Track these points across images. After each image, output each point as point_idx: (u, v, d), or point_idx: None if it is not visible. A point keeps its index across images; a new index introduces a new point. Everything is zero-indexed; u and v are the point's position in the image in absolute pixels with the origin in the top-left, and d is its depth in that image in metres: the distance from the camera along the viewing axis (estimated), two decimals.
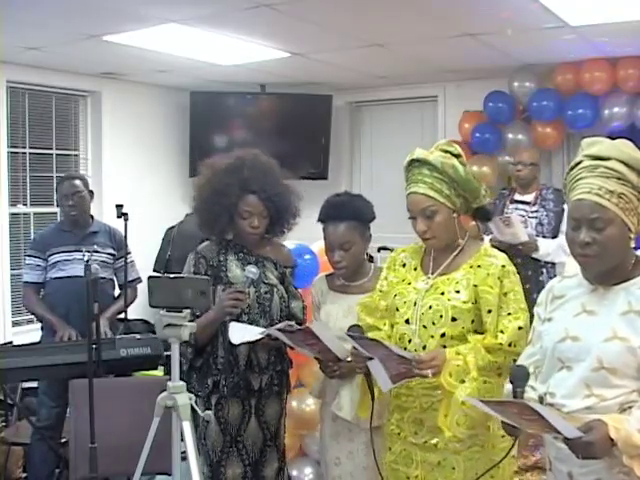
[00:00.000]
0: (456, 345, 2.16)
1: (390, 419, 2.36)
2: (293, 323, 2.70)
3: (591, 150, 1.78)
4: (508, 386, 1.95)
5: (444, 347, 2.17)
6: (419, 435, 2.25)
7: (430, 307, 2.21)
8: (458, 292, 2.21)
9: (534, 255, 4.07)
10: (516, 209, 4.35)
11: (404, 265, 2.37)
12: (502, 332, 2.14)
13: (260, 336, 2.59)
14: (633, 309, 1.73)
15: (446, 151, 2.24)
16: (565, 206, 4.52)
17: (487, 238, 4.22)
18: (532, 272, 4.07)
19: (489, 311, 2.17)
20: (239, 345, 2.63)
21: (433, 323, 2.20)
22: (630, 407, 1.68)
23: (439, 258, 2.30)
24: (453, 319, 2.18)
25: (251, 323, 2.69)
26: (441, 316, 2.19)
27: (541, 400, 1.83)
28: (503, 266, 2.22)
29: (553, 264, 4.14)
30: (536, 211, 4.26)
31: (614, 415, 1.65)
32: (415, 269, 2.34)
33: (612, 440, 1.59)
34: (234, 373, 2.69)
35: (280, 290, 2.79)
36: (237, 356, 2.70)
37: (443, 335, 2.18)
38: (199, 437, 2.74)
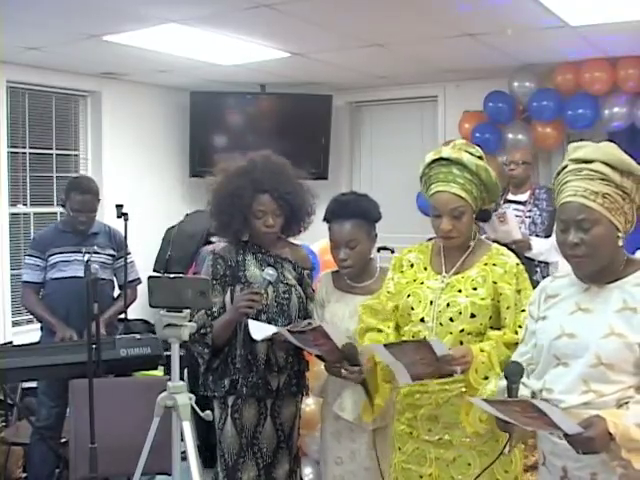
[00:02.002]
0: (473, 341, 2.19)
1: (400, 419, 2.36)
2: (313, 322, 2.70)
3: (575, 154, 1.83)
4: (501, 382, 1.96)
5: (461, 343, 2.19)
6: (433, 432, 2.26)
7: (448, 304, 2.23)
8: (475, 289, 2.23)
9: (527, 254, 4.07)
10: (508, 209, 4.34)
11: (412, 265, 2.38)
12: (521, 327, 2.16)
13: (280, 329, 2.59)
14: (628, 306, 1.76)
15: (468, 152, 2.24)
16: None
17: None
18: (526, 271, 4.07)
19: (507, 307, 2.21)
20: (261, 341, 2.62)
21: (451, 320, 2.21)
22: (627, 402, 1.71)
23: (451, 257, 2.31)
24: (472, 315, 2.20)
25: (270, 322, 2.69)
26: (460, 313, 2.21)
27: (533, 396, 1.86)
28: (517, 264, 2.27)
29: (546, 263, 4.15)
30: (530, 210, 4.26)
31: (612, 410, 1.69)
32: (425, 269, 2.35)
33: (611, 435, 1.62)
34: (253, 372, 2.69)
35: (298, 290, 2.80)
36: (256, 355, 2.70)
37: (462, 331, 2.20)
38: (215, 440, 2.74)
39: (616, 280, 1.81)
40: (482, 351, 2.12)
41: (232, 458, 2.71)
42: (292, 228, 2.87)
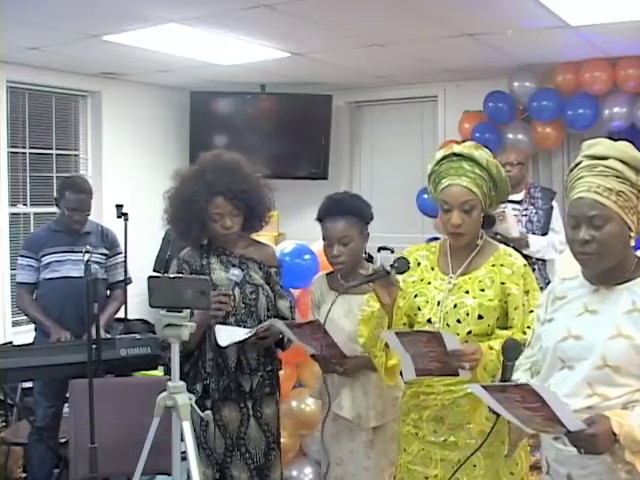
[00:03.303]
0: (480, 342, 2.17)
1: (405, 419, 2.36)
2: (276, 321, 2.69)
3: (591, 150, 1.80)
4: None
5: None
6: (438, 433, 2.25)
7: (455, 305, 2.22)
8: (483, 290, 2.22)
9: (524, 251, 4.09)
10: (507, 207, 4.37)
11: (419, 264, 2.37)
12: (529, 328, 2.16)
13: (246, 335, 2.59)
14: (637, 308, 1.73)
15: (478, 151, 2.25)
16: (554, 204, 4.57)
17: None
18: None
19: (516, 308, 2.20)
20: (226, 347, 2.62)
21: (458, 321, 2.21)
22: (633, 407, 1.68)
23: (458, 258, 2.31)
24: (479, 317, 2.20)
25: (239, 324, 2.68)
26: (467, 314, 2.20)
27: None
28: (525, 265, 2.27)
29: (544, 261, 4.21)
30: (526, 209, 4.29)
31: (617, 410, 1.66)
32: (432, 269, 2.34)
33: (615, 435, 1.59)
34: (224, 375, 2.68)
35: (266, 290, 2.78)
36: (226, 358, 2.68)
37: (469, 333, 2.20)
38: (199, 441, 2.72)
39: (626, 281, 1.77)
40: (491, 349, 2.12)
41: (220, 457, 2.71)
42: (253, 225, 2.85)
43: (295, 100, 6.00)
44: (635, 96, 4.78)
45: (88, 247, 3.55)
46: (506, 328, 2.23)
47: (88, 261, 2.75)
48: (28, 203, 5.28)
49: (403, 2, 3.55)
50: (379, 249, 4.49)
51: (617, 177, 1.73)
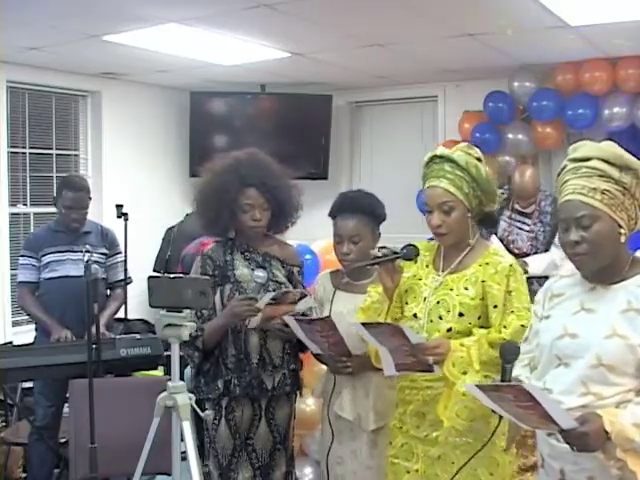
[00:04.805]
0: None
1: (394, 413, 2.38)
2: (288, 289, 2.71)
3: (574, 154, 1.84)
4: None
5: None
6: (421, 429, 2.28)
7: (438, 302, 2.25)
8: (467, 289, 2.25)
9: (527, 274, 4.08)
10: (512, 218, 4.37)
11: (416, 262, 2.39)
12: (505, 327, 2.18)
13: (273, 294, 2.60)
14: (633, 307, 1.74)
15: (466, 152, 2.27)
16: None
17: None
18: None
19: (495, 306, 2.22)
20: (254, 328, 2.63)
21: (440, 318, 2.24)
22: (626, 406, 1.70)
23: (449, 257, 2.34)
24: (460, 314, 2.22)
25: None
26: (448, 311, 2.23)
27: None
28: (511, 265, 2.27)
29: (547, 277, 4.17)
30: (534, 224, 4.28)
31: (610, 409, 1.68)
32: (427, 266, 2.37)
33: (607, 433, 1.61)
34: (246, 372, 2.69)
35: (288, 288, 2.78)
36: (249, 354, 2.69)
37: (449, 330, 2.21)
38: (209, 441, 2.73)
39: (621, 280, 1.79)
40: (462, 346, 2.13)
41: (226, 459, 2.70)
42: (280, 224, 2.87)
43: (295, 100, 5.99)
44: (635, 96, 4.78)
45: (88, 247, 3.58)
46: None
47: (88, 261, 2.75)
48: (28, 203, 5.28)
49: (403, 2, 3.55)
50: (378, 249, 4.49)
51: (601, 176, 1.76)
